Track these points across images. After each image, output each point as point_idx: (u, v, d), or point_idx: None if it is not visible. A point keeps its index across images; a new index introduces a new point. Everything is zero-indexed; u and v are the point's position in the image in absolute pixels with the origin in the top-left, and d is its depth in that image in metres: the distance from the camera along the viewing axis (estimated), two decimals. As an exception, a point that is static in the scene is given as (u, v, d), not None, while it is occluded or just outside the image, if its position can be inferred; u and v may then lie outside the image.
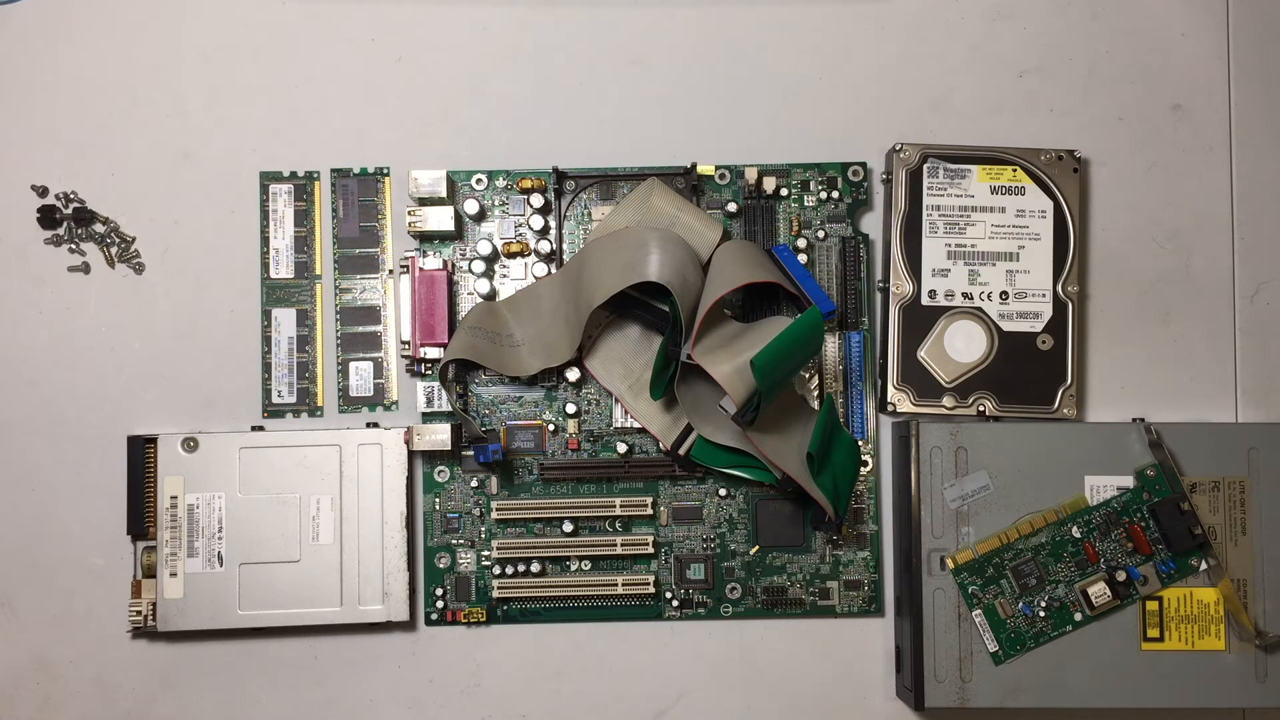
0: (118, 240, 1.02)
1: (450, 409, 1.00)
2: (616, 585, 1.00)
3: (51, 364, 1.01)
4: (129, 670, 1.01)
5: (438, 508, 1.01)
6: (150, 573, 0.98)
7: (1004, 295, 1.00)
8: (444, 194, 1.00)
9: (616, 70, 1.04)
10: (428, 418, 1.01)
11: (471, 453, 1.00)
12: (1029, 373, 1.00)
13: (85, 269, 1.02)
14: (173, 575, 0.97)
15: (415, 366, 1.00)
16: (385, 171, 1.02)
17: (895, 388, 1.00)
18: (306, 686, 1.01)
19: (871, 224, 1.03)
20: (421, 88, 1.03)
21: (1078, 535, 0.97)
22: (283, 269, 1.02)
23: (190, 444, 0.98)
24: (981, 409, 1.00)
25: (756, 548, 1.01)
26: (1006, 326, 1.00)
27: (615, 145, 1.03)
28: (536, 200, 1.01)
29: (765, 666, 1.02)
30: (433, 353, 0.99)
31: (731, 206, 1.02)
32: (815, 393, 1.01)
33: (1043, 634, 0.96)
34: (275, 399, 1.01)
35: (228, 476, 0.98)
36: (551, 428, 1.01)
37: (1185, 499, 0.96)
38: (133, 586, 0.99)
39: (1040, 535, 0.97)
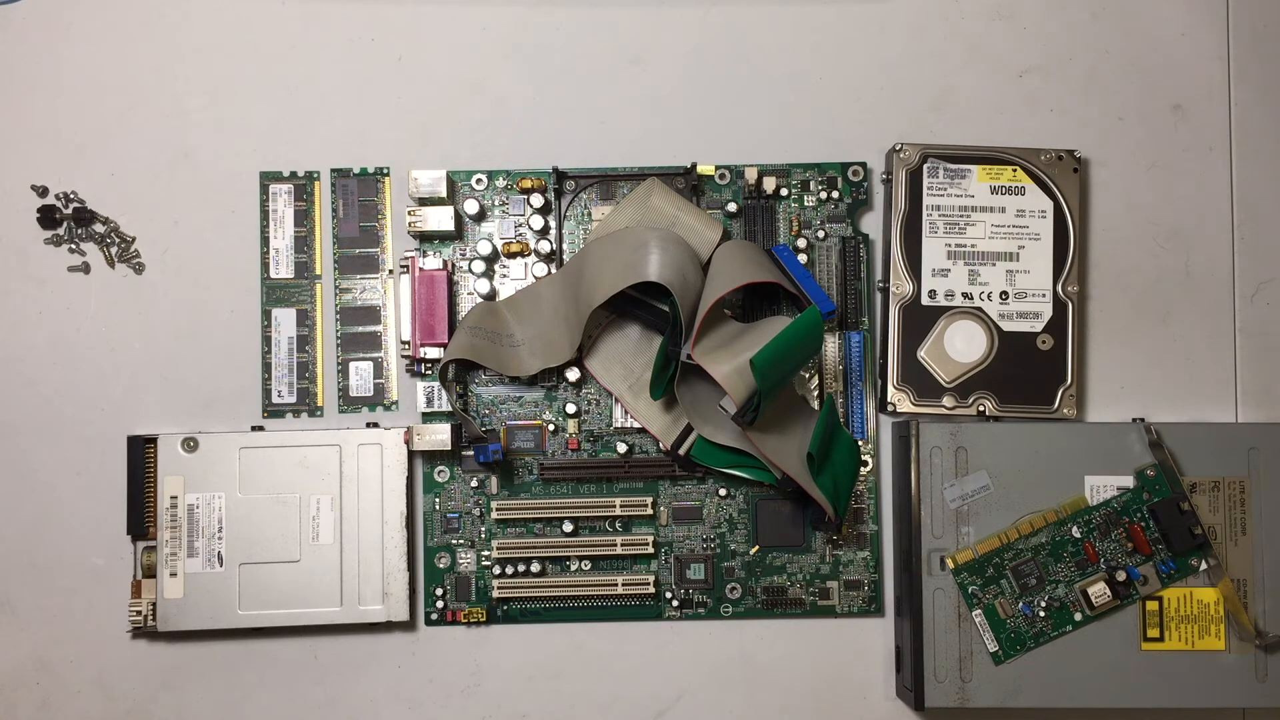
0: (118, 240, 1.02)
1: (450, 409, 1.00)
2: (616, 585, 1.00)
3: (51, 364, 1.01)
4: (129, 670, 1.01)
5: (438, 508, 1.01)
6: (150, 573, 0.98)
7: (1004, 295, 1.00)
8: (444, 194, 1.00)
9: (616, 70, 1.04)
10: (428, 418, 1.01)
11: (471, 453, 1.00)
12: (1029, 373, 1.00)
13: (85, 269, 1.02)
14: (173, 575, 0.97)
15: (415, 366, 1.00)
16: (385, 171, 1.02)
17: (895, 388, 1.00)
18: (306, 686, 1.01)
19: (871, 224, 1.03)
20: (421, 88, 1.03)
21: (1078, 535, 0.97)
22: (283, 269, 1.02)
23: (190, 444, 0.98)
24: (981, 409, 0.99)
25: (756, 548, 1.01)
26: (1006, 326, 1.00)
27: (615, 145, 1.03)
28: (536, 200, 1.01)
29: (765, 666, 1.02)
30: (433, 353, 0.99)
31: (731, 206, 1.02)
32: (815, 393, 1.01)
33: (1043, 634, 0.96)
34: (275, 399, 1.01)
35: (228, 476, 0.98)
36: (551, 428, 1.01)
37: (1185, 499, 0.96)
38: (133, 586, 0.99)
39: (1040, 535, 0.97)
